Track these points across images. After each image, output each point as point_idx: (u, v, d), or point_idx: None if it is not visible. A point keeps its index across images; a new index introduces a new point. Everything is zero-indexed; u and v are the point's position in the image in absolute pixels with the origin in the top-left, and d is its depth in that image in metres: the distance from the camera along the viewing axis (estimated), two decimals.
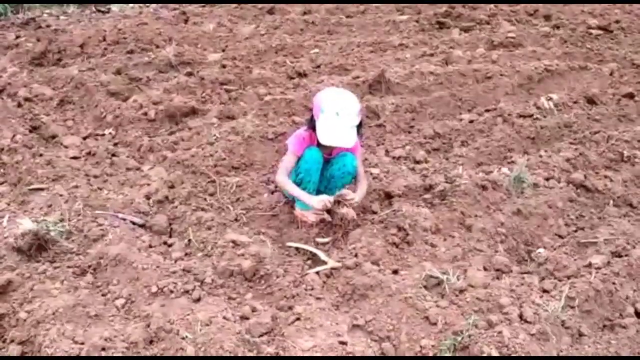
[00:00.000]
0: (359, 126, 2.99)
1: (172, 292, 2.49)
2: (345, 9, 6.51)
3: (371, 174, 3.48)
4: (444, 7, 6.33)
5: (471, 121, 4.09)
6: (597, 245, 2.86)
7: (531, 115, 4.12)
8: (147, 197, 3.27)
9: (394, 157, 3.72)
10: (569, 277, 2.58)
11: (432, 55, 5.26)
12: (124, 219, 3.03)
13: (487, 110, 4.23)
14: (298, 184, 3.01)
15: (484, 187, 3.18)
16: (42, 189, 3.25)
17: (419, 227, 2.89)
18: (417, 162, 3.68)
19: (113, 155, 3.70)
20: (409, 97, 4.40)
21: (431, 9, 6.36)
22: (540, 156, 3.62)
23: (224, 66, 4.97)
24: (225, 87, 4.57)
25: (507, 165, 3.50)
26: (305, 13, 6.36)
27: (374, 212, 3.16)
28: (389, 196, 3.30)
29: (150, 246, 2.85)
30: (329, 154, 3.07)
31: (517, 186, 3.24)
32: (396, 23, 6.05)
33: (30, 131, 3.92)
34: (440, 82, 4.62)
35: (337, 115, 2.84)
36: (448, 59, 5.11)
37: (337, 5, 6.60)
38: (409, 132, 4.05)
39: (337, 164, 3.06)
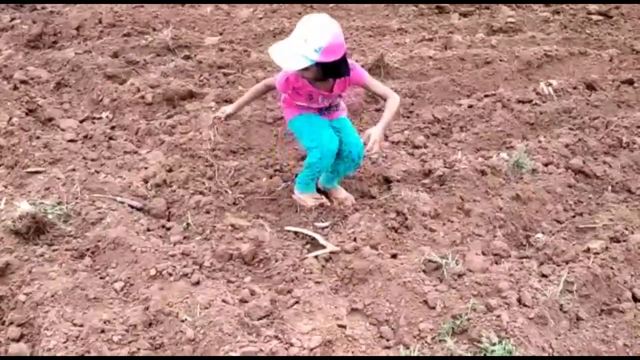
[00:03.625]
0: (327, 69, 2.61)
1: (170, 275, 2.49)
2: None
3: (369, 158, 3.47)
4: None
5: (470, 106, 4.07)
6: (595, 230, 2.87)
7: (530, 101, 4.10)
8: (145, 181, 3.26)
9: (393, 142, 3.71)
10: (567, 262, 2.59)
11: (431, 40, 5.22)
12: (122, 202, 3.02)
13: (487, 96, 4.21)
14: (308, 167, 2.98)
15: (483, 172, 3.18)
16: (39, 172, 3.23)
17: (418, 211, 2.88)
18: (416, 147, 3.67)
19: (110, 138, 3.68)
20: (408, 82, 4.38)
21: None
22: (540, 142, 3.61)
23: (221, 49, 4.93)
24: (223, 70, 4.54)
25: (506, 151, 3.49)
26: None
27: (373, 197, 3.16)
28: (387, 181, 3.29)
29: (149, 229, 2.85)
30: (328, 110, 2.97)
31: (516, 171, 3.23)
32: (395, 7, 5.99)
33: (27, 114, 3.89)
34: (440, 67, 4.60)
35: (294, 36, 2.57)
36: (447, 44, 5.08)
37: None
38: (408, 117, 4.04)
39: (344, 146, 2.95)
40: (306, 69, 2.58)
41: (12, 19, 5.69)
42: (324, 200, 3.05)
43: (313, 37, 2.49)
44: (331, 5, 6.04)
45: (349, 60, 2.73)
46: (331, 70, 2.64)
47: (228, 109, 3.12)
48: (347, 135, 3.00)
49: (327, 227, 2.90)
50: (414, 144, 3.70)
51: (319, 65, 2.55)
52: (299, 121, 2.98)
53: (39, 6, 6.08)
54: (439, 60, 4.68)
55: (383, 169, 3.37)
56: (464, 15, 5.86)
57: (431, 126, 3.89)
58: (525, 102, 4.09)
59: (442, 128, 3.90)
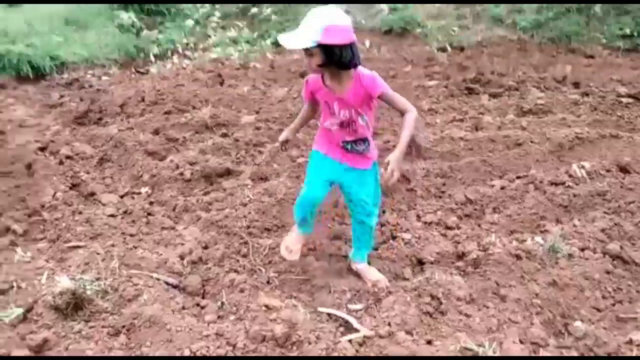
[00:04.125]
0: (331, 53, 2.54)
1: (204, 356, 2.49)
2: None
3: (402, 239, 3.49)
4: (472, 73, 6.45)
5: (502, 188, 4.10)
6: (637, 320, 2.79)
7: (563, 183, 4.11)
8: (181, 258, 3.31)
9: (425, 223, 3.73)
10: (609, 354, 2.52)
11: (461, 120, 5.33)
12: (159, 279, 3.07)
13: (518, 177, 4.23)
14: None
15: (517, 257, 3.16)
16: (79, 247, 3.32)
17: (453, 296, 2.86)
18: (449, 228, 3.68)
19: (149, 214, 3.78)
20: (439, 162, 4.44)
21: (460, 75, 6.48)
22: (574, 225, 3.58)
23: (257, 128, 5.10)
24: (259, 148, 4.68)
25: (541, 234, 3.47)
26: None
27: (406, 279, 3.15)
28: (421, 262, 3.29)
29: (184, 308, 2.87)
30: (353, 145, 2.89)
31: (552, 256, 3.20)
32: (425, 88, 6.17)
33: (70, 188, 4.05)
34: (471, 148, 4.67)
35: (302, 23, 2.58)
36: (478, 125, 5.17)
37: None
38: (440, 197, 4.07)
39: (350, 204, 3.05)
40: (311, 54, 2.58)
41: (61, 96, 6.02)
42: (294, 250, 3.16)
43: (316, 18, 2.53)
44: None
45: (371, 72, 2.70)
46: (336, 56, 2.55)
47: (284, 135, 3.13)
48: (358, 192, 2.99)
49: (360, 309, 2.89)
50: (447, 225, 3.71)
51: (322, 48, 2.54)
52: (311, 156, 3.07)
53: (86, 84, 6.43)
54: (470, 140, 4.75)
55: (416, 250, 3.37)
56: (494, 96, 5.99)
57: (464, 207, 3.91)
58: (558, 185, 4.09)
59: (475, 209, 3.91)
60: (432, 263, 3.26)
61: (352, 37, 2.58)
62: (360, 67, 2.68)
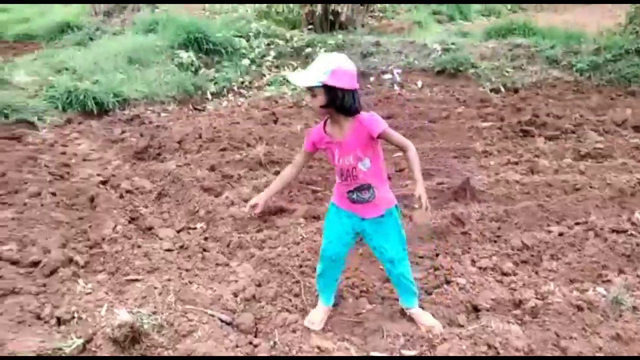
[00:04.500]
0: (334, 95, 2.63)
1: None
2: (428, 114, 6.68)
3: (457, 284, 3.43)
4: (528, 115, 6.37)
5: (561, 234, 3.99)
6: None
7: (625, 231, 3.96)
8: (235, 295, 3.35)
9: (480, 268, 3.65)
10: None
11: (516, 163, 5.25)
12: (213, 316, 3.10)
13: (577, 224, 4.12)
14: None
15: (579, 307, 3.05)
16: (137, 280, 3.40)
17: (511, 346, 2.78)
18: (505, 274, 3.59)
19: (204, 249, 3.85)
20: (494, 206, 4.37)
21: (515, 117, 6.41)
22: (638, 276, 3.45)
23: (310, 167, 5.16)
24: (311, 187, 4.73)
25: (603, 285, 3.35)
26: (388, 117, 6.57)
27: (461, 326, 3.09)
28: (476, 309, 3.22)
29: (237, 346, 2.88)
30: (358, 194, 2.86)
31: (615, 308, 3.08)
32: (479, 129, 6.12)
33: (130, 222, 4.17)
34: (527, 192, 4.58)
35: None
36: (534, 168, 5.08)
37: (420, 110, 6.79)
38: (495, 242, 3.99)
39: (374, 251, 3.04)
40: (315, 95, 2.66)
41: (123, 132, 6.26)
42: (316, 322, 3.10)
43: (325, 61, 2.64)
44: (415, 125, 6.26)
45: (370, 113, 2.76)
46: (338, 99, 2.64)
47: (254, 199, 3.03)
48: (378, 239, 2.97)
49: (414, 355, 2.84)
50: (502, 270, 3.62)
51: (326, 88, 2.62)
52: (328, 209, 3.08)
53: (146, 120, 6.67)
54: (526, 184, 4.67)
55: (471, 295, 3.30)
56: (550, 139, 5.88)
57: (520, 253, 3.82)
58: (619, 232, 3.95)
59: (532, 255, 3.81)
60: (487, 310, 3.19)
61: (356, 85, 2.69)
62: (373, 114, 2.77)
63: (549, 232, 4.03)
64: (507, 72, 8.07)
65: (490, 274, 3.59)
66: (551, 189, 4.63)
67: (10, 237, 3.79)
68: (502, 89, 7.72)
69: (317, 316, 3.14)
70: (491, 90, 7.69)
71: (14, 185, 4.63)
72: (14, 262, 3.54)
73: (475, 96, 7.38)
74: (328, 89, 2.63)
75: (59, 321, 3.03)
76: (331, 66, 2.61)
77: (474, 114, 6.66)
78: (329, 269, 3.11)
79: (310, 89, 2.67)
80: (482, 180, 4.77)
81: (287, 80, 8.23)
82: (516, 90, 7.63)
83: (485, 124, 6.28)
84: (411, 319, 3.12)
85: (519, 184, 4.69)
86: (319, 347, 2.85)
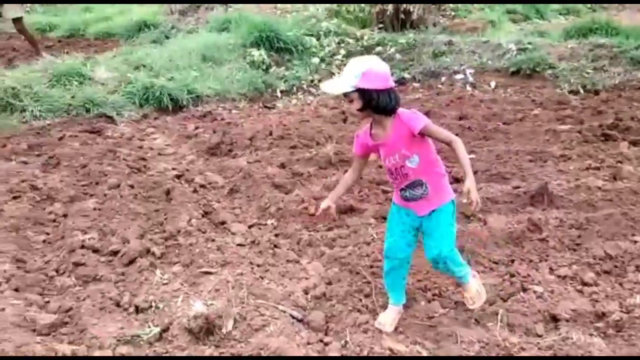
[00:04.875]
0: (369, 97, 2.64)
1: None
2: (502, 115, 6.48)
3: (534, 292, 3.30)
4: (610, 119, 6.07)
5: None
6: None
7: None
8: (305, 292, 3.36)
9: (558, 276, 3.50)
10: None
11: (597, 168, 5.00)
12: (284, 312, 3.12)
13: None
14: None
15: None
16: (211, 273, 3.47)
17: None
18: (586, 285, 3.42)
19: (275, 246, 3.88)
20: (574, 212, 4.18)
21: (595, 120, 6.12)
22: None
23: (380, 166, 5.11)
24: (382, 187, 4.68)
25: None
26: (461, 118, 6.43)
27: (539, 335, 2.97)
28: (555, 319, 3.09)
29: (308, 343, 2.89)
30: (411, 192, 2.83)
31: None
32: (557, 132, 5.88)
33: (203, 216, 4.26)
34: (610, 199, 4.35)
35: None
36: (617, 174, 4.82)
37: (494, 112, 6.60)
38: (575, 250, 3.81)
39: (424, 246, 2.98)
40: (351, 100, 2.69)
41: (196, 128, 6.42)
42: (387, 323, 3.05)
43: (355, 65, 2.66)
44: (489, 127, 6.09)
45: (411, 110, 2.75)
46: (373, 100, 2.64)
47: (326, 202, 3.12)
48: (428, 237, 2.93)
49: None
50: (583, 280, 3.45)
51: (360, 92, 2.64)
52: (390, 209, 3.06)
53: (218, 117, 6.82)
54: (609, 191, 4.44)
55: (549, 305, 3.17)
56: (634, 144, 5.57)
57: (602, 263, 3.63)
58: None
59: (615, 266, 3.61)
60: (567, 321, 3.05)
61: (390, 84, 2.69)
62: (399, 109, 2.74)
63: (635, 242, 3.81)
64: (587, 73, 7.72)
65: (570, 284, 3.44)
66: (637, 196, 4.38)
67: (92, 227, 3.96)
68: (582, 91, 7.38)
69: (387, 317, 3.10)
70: (569, 92, 7.38)
71: (95, 177, 4.84)
72: (96, 250, 3.70)
73: (553, 98, 7.10)
74: (362, 92, 2.65)
75: (137, 309, 3.14)
76: (362, 69, 2.62)
77: (551, 117, 6.41)
78: (395, 267, 3.08)
79: (346, 95, 2.70)
80: (561, 185, 4.58)
81: None
82: (597, 92, 7.28)
83: (563, 127, 6.03)
84: (486, 326, 3.03)
85: (601, 190, 4.46)
86: (390, 349, 2.81)
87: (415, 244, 3.05)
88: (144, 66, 7.94)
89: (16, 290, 3.23)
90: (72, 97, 6.75)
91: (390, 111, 2.71)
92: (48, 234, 3.99)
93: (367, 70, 2.62)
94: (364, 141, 2.88)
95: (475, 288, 3.11)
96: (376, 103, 2.66)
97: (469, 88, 7.85)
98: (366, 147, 2.89)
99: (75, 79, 7.12)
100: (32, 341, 2.73)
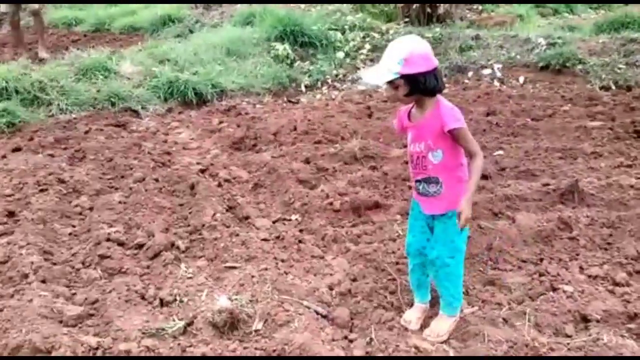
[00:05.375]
0: (415, 82, 2.56)
1: None
2: (531, 111, 6.36)
3: (564, 291, 3.23)
4: None
5: None
6: None
7: None
8: (330, 288, 3.33)
9: (589, 276, 3.41)
10: None
11: (630, 166, 4.87)
12: (309, 307, 3.10)
13: None
14: None
15: None
16: (235, 267, 3.46)
17: None
18: (617, 285, 3.33)
19: (299, 241, 3.85)
20: (605, 211, 4.07)
21: (628, 117, 5.97)
22: None
23: (406, 162, 5.03)
24: (408, 183, 4.61)
25: None
26: (488, 114, 6.32)
27: (569, 336, 2.89)
28: (585, 319, 3.01)
29: (333, 339, 2.86)
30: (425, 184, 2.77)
31: None
32: (587, 129, 5.74)
33: (227, 210, 4.25)
34: None
35: (383, 57, 2.62)
36: None
37: (523, 107, 6.48)
38: (606, 250, 3.71)
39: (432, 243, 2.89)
40: (396, 87, 2.60)
41: (220, 122, 6.42)
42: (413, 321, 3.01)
43: (396, 50, 2.55)
44: (518, 123, 5.98)
45: (453, 106, 2.65)
46: (420, 84, 2.56)
47: None
48: (434, 238, 2.87)
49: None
50: (615, 280, 3.36)
51: (405, 78, 2.55)
52: (410, 207, 3.02)
53: (242, 112, 6.81)
54: None
55: (579, 305, 3.09)
56: None
57: (634, 262, 3.53)
58: None
59: None
60: (598, 321, 2.97)
61: (434, 63, 2.59)
62: (442, 98, 2.66)
63: None
64: (619, 68, 7.52)
65: (601, 283, 3.35)
66: None
67: (117, 220, 3.98)
68: (613, 87, 7.20)
69: (413, 315, 3.05)
70: (601, 88, 7.20)
71: (121, 171, 4.87)
72: (121, 244, 3.72)
73: (583, 94, 6.94)
74: (407, 78, 2.56)
75: (162, 302, 3.14)
76: (403, 54, 2.52)
77: (581, 113, 6.26)
78: (418, 265, 3.03)
79: (390, 83, 2.60)
80: (592, 183, 4.46)
81: None
82: (629, 89, 7.09)
83: (594, 124, 5.88)
84: (514, 325, 2.96)
85: (634, 188, 4.34)
86: (416, 347, 2.77)
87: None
88: (169, 60, 7.96)
89: (43, 282, 3.26)
90: (98, 91, 6.80)
91: (438, 91, 2.64)
92: (74, 226, 4.02)
93: (408, 55, 2.51)
94: (402, 119, 2.81)
95: (447, 329, 2.93)
96: (423, 86, 2.57)
97: (496, 83, 7.71)
98: (402, 126, 2.83)
99: (101, 73, 7.17)
100: (59, 332, 2.74)
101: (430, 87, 2.59)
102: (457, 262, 2.87)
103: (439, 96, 2.68)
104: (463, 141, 2.65)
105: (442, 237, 2.82)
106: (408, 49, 2.53)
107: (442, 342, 2.88)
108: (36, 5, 9.26)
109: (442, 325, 2.96)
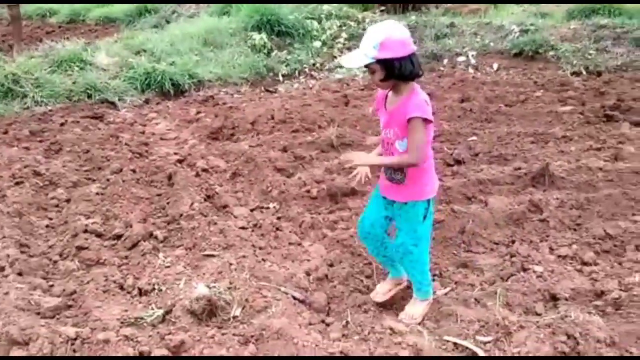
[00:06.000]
0: (391, 67, 2.55)
1: None
2: (504, 97, 6.46)
3: (534, 271, 3.33)
4: (612, 100, 6.05)
5: None
6: None
7: None
8: (307, 274, 3.39)
9: (558, 256, 3.52)
10: None
11: (599, 149, 5.00)
12: (286, 293, 3.15)
13: None
14: None
15: None
16: (213, 256, 3.50)
17: (592, 337, 2.67)
18: (585, 264, 3.44)
19: (277, 229, 3.90)
20: (574, 193, 4.19)
21: (597, 101, 6.10)
22: None
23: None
24: None
25: None
26: (463, 100, 6.41)
27: (538, 314, 2.99)
28: (554, 298, 3.11)
29: (310, 323, 2.92)
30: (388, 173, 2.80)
31: None
32: (559, 114, 5.87)
33: (205, 199, 4.28)
34: (610, 179, 4.35)
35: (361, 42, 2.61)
36: (618, 155, 4.81)
37: (496, 94, 6.58)
38: (575, 230, 3.83)
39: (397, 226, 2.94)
40: (372, 71, 2.61)
41: (198, 112, 6.42)
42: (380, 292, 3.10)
43: (372, 34, 2.55)
44: (491, 109, 6.08)
45: (424, 99, 2.62)
46: (396, 69, 2.56)
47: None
48: (397, 227, 2.95)
49: (489, 342, 2.78)
50: (583, 260, 3.47)
51: (381, 63, 2.56)
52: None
53: (220, 101, 6.81)
54: (610, 171, 4.44)
55: (549, 284, 3.19)
56: (636, 125, 5.55)
57: (602, 242, 3.64)
58: None
59: (615, 245, 3.63)
60: (566, 299, 3.07)
61: (411, 49, 2.57)
62: (418, 88, 2.66)
63: (635, 221, 3.82)
64: (590, 54, 7.67)
65: (570, 263, 3.46)
66: (637, 177, 4.38)
67: (95, 211, 3.99)
68: (584, 72, 7.35)
69: (382, 287, 3.15)
70: (572, 74, 7.34)
71: (98, 162, 4.86)
72: (99, 235, 3.72)
73: (555, 79, 7.06)
74: (383, 62, 2.56)
75: (140, 292, 3.17)
76: (379, 38, 2.52)
77: (553, 98, 6.38)
78: (369, 245, 3.11)
79: (367, 67, 2.61)
80: (562, 166, 4.58)
81: None
82: (599, 74, 7.25)
83: (565, 109, 6.01)
84: (486, 305, 3.05)
85: (602, 171, 4.46)
86: (391, 329, 2.84)
87: (386, 228, 3.02)
88: (145, 51, 7.92)
89: (20, 274, 3.26)
90: (74, 82, 6.75)
91: (415, 76, 2.63)
92: (51, 219, 4.01)
93: (384, 40, 2.51)
94: (378, 103, 2.82)
95: (420, 312, 3.02)
96: (399, 71, 2.56)
97: (471, 70, 7.82)
98: (376, 110, 2.84)
99: (77, 65, 7.10)
100: (37, 324, 2.75)
101: (406, 73, 2.58)
102: (420, 250, 2.91)
103: (415, 85, 2.67)
104: (412, 131, 2.58)
105: (405, 226, 2.88)
106: (384, 34, 2.53)
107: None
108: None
109: (416, 308, 3.04)
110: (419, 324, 2.98)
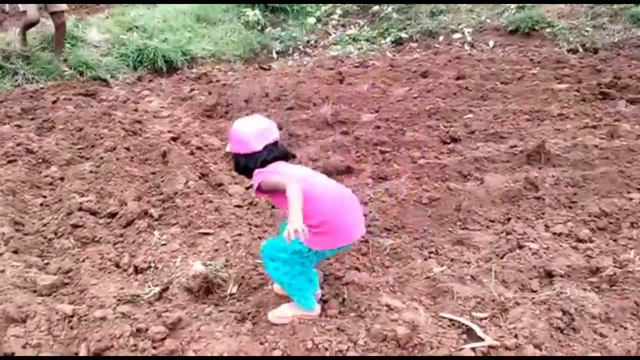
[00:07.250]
0: (235, 160, 2.71)
1: (326, 349, 2.53)
2: (500, 75, 6.43)
3: (530, 249, 3.33)
4: (608, 77, 6.03)
5: None
6: None
7: None
8: None
9: (554, 234, 3.53)
10: None
11: (595, 127, 4.99)
12: None
13: None
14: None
15: None
16: (209, 234, 3.49)
17: (587, 313, 2.69)
18: (581, 241, 3.45)
19: (273, 206, 3.89)
20: (570, 171, 4.19)
21: (594, 79, 6.08)
22: None
23: (377, 127, 5.09)
24: (379, 148, 4.67)
25: None
26: (458, 78, 6.37)
27: (534, 291, 3.01)
28: (550, 275, 3.12)
29: None
30: None
31: None
32: (555, 92, 5.85)
33: (200, 177, 4.26)
34: (606, 157, 4.36)
35: None
36: (614, 133, 4.81)
37: (492, 71, 6.54)
38: (571, 208, 3.84)
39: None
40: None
41: (192, 90, 6.36)
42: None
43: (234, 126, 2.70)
44: (487, 86, 6.04)
45: (257, 171, 2.62)
46: (236, 164, 2.72)
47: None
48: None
49: (485, 318, 2.79)
50: (578, 237, 3.48)
51: (232, 154, 2.73)
52: None
53: (213, 79, 6.75)
54: (606, 149, 4.44)
55: (544, 261, 3.20)
56: (632, 102, 5.55)
57: (597, 220, 3.65)
58: None
59: (610, 223, 3.64)
60: (562, 276, 3.08)
61: (251, 148, 2.61)
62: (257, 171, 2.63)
63: (630, 199, 3.83)
64: (587, 31, 7.63)
65: (565, 240, 3.47)
66: (633, 154, 4.38)
67: (89, 189, 3.96)
68: (580, 50, 7.32)
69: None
70: (568, 51, 7.31)
71: (91, 140, 4.81)
72: (94, 213, 3.70)
73: (551, 57, 7.03)
74: (233, 155, 2.72)
75: (136, 270, 3.17)
76: (229, 133, 2.68)
77: (549, 76, 6.36)
78: None
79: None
80: (558, 144, 4.57)
81: (354, 39, 8.14)
82: (596, 51, 7.22)
83: (561, 86, 5.99)
84: (482, 282, 3.06)
85: (598, 148, 4.46)
86: (388, 306, 2.84)
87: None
88: (137, 27, 7.82)
89: (15, 252, 3.25)
90: (65, 60, 6.66)
91: (245, 174, 2.72)
92: (45, 197, 3.99)
93: (230, 135, 2.67)
94: None
95: (292, 315, 2.75)
96: (236, 165, 2.71)
97: (467, 47, 7.76)
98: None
99: (68, 42, 7.00)
100: (34, 302, 2.76)
101: (240, 168, 2.71)
102: (275, 267, 2.68)
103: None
104: (273, 189, 2.58)
105: (277, 237, 2.77)
106: (232, 130, 2.68)
107: (411, 301, 2.94)
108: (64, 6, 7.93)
109: (289, 308, 2.80)
110: (414, 299, 2.97)
